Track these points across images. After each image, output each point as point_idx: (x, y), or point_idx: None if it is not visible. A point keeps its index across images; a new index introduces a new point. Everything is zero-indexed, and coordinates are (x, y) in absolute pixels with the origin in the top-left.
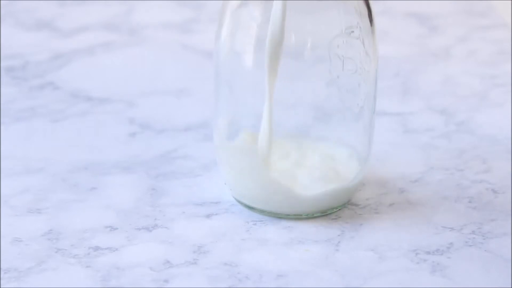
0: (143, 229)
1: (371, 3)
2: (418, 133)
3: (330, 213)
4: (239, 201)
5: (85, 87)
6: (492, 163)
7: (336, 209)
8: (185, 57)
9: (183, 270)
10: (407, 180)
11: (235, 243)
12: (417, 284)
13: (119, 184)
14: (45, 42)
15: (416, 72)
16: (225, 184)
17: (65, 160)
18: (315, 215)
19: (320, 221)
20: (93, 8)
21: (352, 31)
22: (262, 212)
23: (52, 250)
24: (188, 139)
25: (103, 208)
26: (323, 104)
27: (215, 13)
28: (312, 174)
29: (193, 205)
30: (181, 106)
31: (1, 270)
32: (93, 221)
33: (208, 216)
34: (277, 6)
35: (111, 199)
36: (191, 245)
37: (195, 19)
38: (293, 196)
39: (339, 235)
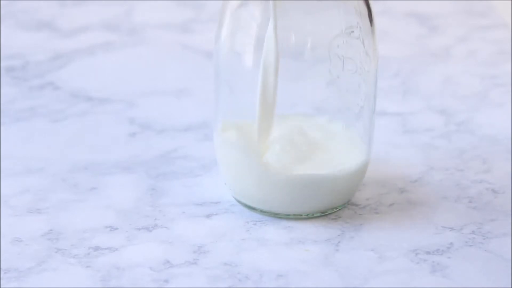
0: (143, 229)
1: (371, 3)
2: (418, 133)
3: (330, 213)
4: (239, 201)
5: (85, 87)
6: (492, 163)
7: (336, 209)
8: (185, 57)
9: (183, 270)
10: (407, 180)
11: (235, 243)
12: (417, 284)
13: (119, 184)
14: (45, 42)
15: (416, 72)
16: (225, 184)
17: (65, 160)
18: (315, 215)
19: (320, 221)
20: (93, 8)
21: (352, 31)
22: (262, 212)
23: (52, 250)
24: (188, 139)
25: (103, 208)
26: (323, 104)
27: (215, 13)
28: (311, 160)
29: (193, 205)
30: (181, 106)
31: (1, 270)
32: (93, 221)
33: (208, 216)
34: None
35: (111, 199)
36: (191, 245)
37: (195, 19)
38: (288, 181)
39: (339, 235)
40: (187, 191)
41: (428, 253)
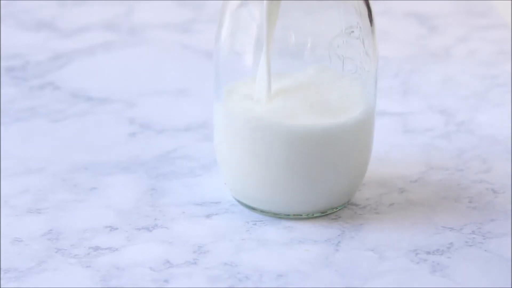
0: (143, 229)
1: (371, 3)
2: (418, 133)
3: (330, 213)
4: (239, 201)
5: (85, 87)
6: (492, 163)
7: (336, 209)
8: (185, 57)
9: (183, 270)
10: (407, 180)
11: (235, 243)
12: (417, 284)
13: (119, 184)
14: (45, 42)
15: (416, 72)
16: (225, 184)
17: (65, 160)
18: (315, 215)
19: (320, 221)
20: (93, 8)
21: (352, 31)
22: (262, 212)
23: (52, 250)
24: (188, 139)
25: (103, 208)
26: None
27: (215, 13)
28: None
29: (193, 205)
30: (181, 106)
31: (1, 270)
32: (93, 221)
33: (208, 216)
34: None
35: (111, 199)
36: (191, 245)
37: (195, 19)
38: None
39: (339, 235)
40: (187, 191)
41: (428, 253)
